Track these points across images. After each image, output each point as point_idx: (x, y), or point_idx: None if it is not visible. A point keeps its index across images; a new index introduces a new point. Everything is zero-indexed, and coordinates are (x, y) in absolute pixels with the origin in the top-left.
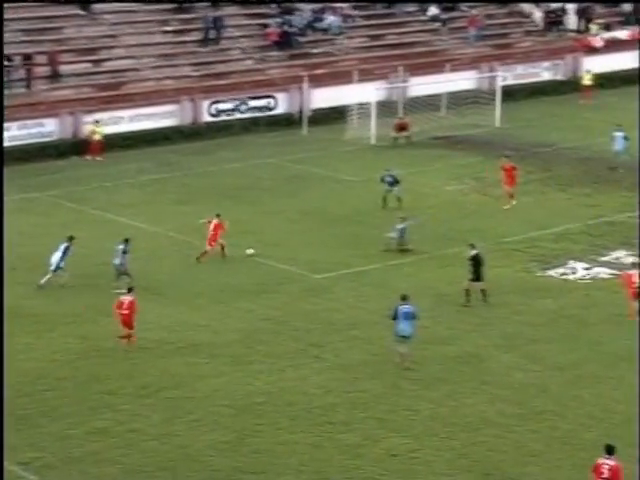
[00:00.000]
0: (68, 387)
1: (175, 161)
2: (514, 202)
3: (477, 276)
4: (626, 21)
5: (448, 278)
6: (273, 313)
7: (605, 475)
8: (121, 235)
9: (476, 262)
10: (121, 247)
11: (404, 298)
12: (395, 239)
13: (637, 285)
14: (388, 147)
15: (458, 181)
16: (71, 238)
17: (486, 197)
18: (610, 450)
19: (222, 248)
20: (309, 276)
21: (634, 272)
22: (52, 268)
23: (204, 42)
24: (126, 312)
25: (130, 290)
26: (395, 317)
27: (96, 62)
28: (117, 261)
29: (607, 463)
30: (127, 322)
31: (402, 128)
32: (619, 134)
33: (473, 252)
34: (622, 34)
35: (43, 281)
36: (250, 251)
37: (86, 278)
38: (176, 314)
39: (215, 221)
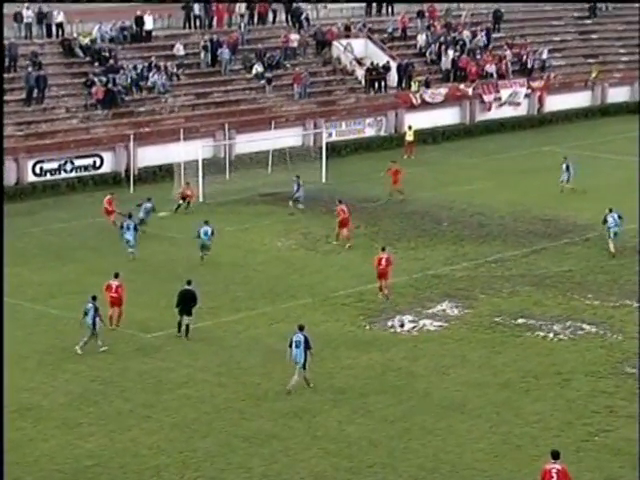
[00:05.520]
0: None
1: None
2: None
3: (185, 310)
4: (444, 78)
5: (278, 334)
6: (103, 374)
7: (554, 479)
8: None
9: (183, 297)
10: (90, 305)
11: (301, 328)
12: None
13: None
14: (216, 204)
15: (286, 237)
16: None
17: (314, 252)
18: (555, 455)
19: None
20: (139, 335)
21: (384, 255)
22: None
23: (27, 101)
24: (115, 295)
25: (117, 275)
26: (290, 345)
27: None
28: (89, 319)
29: (555, 467)
30: (117, 302)
31: (184, 197)
32: None
33: (185, 287)
34: (441, 91)
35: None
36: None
37: None
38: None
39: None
